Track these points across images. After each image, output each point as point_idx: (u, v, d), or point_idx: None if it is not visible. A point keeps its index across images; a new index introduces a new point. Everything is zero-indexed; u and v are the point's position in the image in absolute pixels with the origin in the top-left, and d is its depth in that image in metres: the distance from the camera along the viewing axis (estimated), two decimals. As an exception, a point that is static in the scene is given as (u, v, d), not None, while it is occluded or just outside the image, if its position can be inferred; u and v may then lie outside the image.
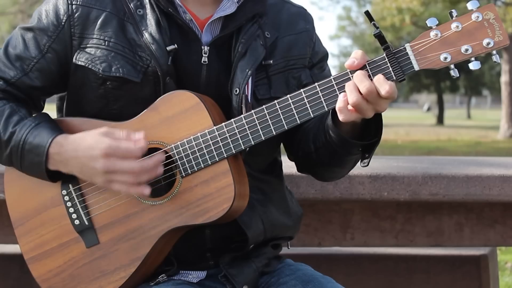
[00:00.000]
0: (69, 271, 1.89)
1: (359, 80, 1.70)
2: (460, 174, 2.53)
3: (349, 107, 1.72)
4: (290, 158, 2.09)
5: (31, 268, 1.93)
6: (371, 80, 1.70)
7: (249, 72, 1.87)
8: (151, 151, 1.82)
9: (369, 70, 1.73)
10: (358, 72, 1.71)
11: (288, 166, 2.13)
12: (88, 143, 1.78)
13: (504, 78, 25.07)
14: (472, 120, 45.29)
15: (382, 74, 1.71)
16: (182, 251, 1.91)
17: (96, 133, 1.79)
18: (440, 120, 38.44)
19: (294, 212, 2.05)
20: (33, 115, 1.91)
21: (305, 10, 2.07)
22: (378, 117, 1.81)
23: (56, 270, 1.91)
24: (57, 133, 1.83)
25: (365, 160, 1.87)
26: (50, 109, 2.01)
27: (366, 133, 1.84)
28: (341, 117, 1.73)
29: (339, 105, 1.72)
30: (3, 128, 1.86)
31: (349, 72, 1.74)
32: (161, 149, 1.82)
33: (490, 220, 2.67)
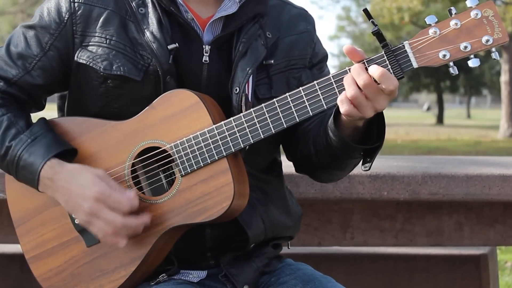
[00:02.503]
0: (70, 270, 1.90)
1: (357, 73, 1.70)
2: (460, 173, 2.53)
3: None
4: (289, 159, 2.09)
5: (32, 267, 1.93)
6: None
7: (250, 71, 1.87)
8: (150, 150, 1.83)
9: (367, 68, 1.72)
10: (356, 65, 1.71)
11: (288, 166, 2.13)
12: (84, 181, 1.79)
13: (504, 78, 25.07)
14: (472, 120, 45.29)
15: None
16: (183, 251, 1.91)
17: (94, 173, 1.80)
18: (440, 119, 38.45)
19: (294, 211, 2.06)
20: (32, 122, 1.90)
21: (306, 11, 2.07)
22: (380, 121, 1.81)
23: (57, 269, 1.91)
24: (51, 154, 1.82)
25: (367, 164, 1.86)
26: (52, 108, 2.01)
27: (368, 137, 1.84)
28: (342, 109, 1.72)
29: (341, 97, 1.72)
30: (0, 141, 1.86)
31: (347, 70, 1.74)
32: (161, 148, 1.82)
33: (490, 219, 2.67)
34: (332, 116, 1.82)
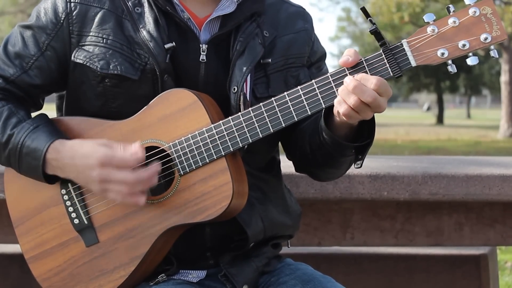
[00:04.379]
0: (69, 270, 1.89)
1: (361, 91, 1.68)
2: (460, 173, 2.53)
3: None
4: (289, 158, 2.09)
5: (31, 267, 1.93)
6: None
7: (247, 70, 1.87)
8: (149, 149, 1.82)
9: (366, 66, 1.72)
10: (356, 84, 1.68)
11: (288, 166, 2.13)
12: (85, 151, 1.79)
13: (504, 78, 25.06)
14: (472, 120, 45.30)
15: (379, 70, 1.71)
16: (182, 250, 1.91)
17: (94, 142, 1.80)
18: (440, 119, 38.46)
19: (293, 210, 2.05)
20: (32, 117, 1.91)
21: (304, 9, 2.07)
22: (371, 119, 1.81)
23: (56, 269, 1.91)
24: (54, 138, 1.84)
25: (358, 162, 1.87)
26: (50, 108, 2.01)
27: (359, 135, 1.84)
28: (341, 110, 1.71)
29: (338, 98, 1.72)
30: (1, 130, 1.86)
31: (346, 69, 1.74)
32: (159, 147, 1.82)
33: (490, 219, 2.66)
34: (322, 115, 1.82)
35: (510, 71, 24.60)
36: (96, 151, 1.78)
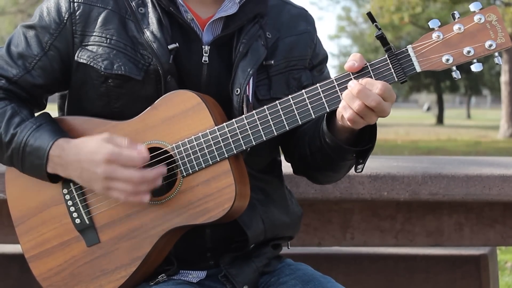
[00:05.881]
0: (70, 269, 1.90)
1: (365, 95, 1.69)
2: (460, 174, 2.53)
3: None
4: (287, 160, 2.09)
5: (32, 266, 1.93)
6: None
7: (250, 72, 1.87)
8: (152, 150, 1.83)
9: (371, 71, 1.73)
10: (360, 88, 1.69)
11: (288, 166, 2.13)
12: (91, 148, 1.78)
13: (504, 78, 25.05)
14: (472, 120, 45.28)
15: (384, 74, 1.72)
16: (183, 251, 1.91)
17: (99, 138, 1.79)
18: (440, 119, 38.44)
19: (294, 212, 2.06)
20: (35, 115, 1.91)
21: (306, 11, 2.07)
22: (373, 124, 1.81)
23: (57, 269, 1.91)
24: (58, 136, 1.83)
25: (359, 166, 1.87)
26: (52, 108, 2.01)
27: (361, 139, 1.85)
28: (346, 115, 1.72)
29: (343, 103, 1.72)
30: (4, 129, 1.86)
31: (350, 73, 1.74)
32: (162, 148, 1.82)
33: (490, 220, 2.67)
34: (325, 119, 1.82)
35: (510, 71, 24.59)
36: (102, 147, 1.77)
